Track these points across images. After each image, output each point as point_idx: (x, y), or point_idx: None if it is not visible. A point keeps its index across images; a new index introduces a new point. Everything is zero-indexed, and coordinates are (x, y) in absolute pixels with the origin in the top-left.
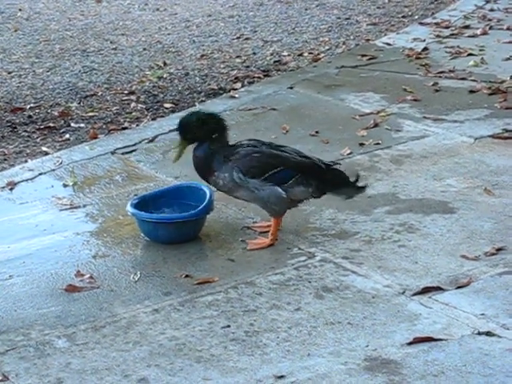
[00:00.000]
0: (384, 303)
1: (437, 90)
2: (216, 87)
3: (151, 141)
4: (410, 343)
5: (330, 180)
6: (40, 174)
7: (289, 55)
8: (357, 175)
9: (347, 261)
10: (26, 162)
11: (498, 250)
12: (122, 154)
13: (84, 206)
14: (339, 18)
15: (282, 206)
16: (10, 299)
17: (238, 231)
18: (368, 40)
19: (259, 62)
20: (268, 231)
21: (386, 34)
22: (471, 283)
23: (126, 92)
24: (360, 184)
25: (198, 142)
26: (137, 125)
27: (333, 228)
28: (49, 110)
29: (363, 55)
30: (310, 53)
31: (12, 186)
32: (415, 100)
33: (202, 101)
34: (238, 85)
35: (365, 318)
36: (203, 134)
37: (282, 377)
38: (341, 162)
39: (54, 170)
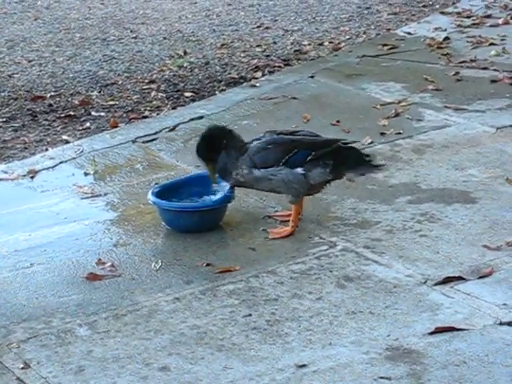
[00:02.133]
0: (405, 293)
1: (458, 80)
2: (236, 76)
3: (172, 129)
4: (431, 333)
5: (346, 157)
6: (61, 163)
7: (309, 44)
8: (372, 156)
9: (368, 250)
10: (46, 150)
11: None
12: (143, 142)
13: (105, 194)
14: (360, 7)
15: (301, 185)
16: (31, 287)
17: (259, 220)
18: (389, 29)
19: (279, 51)
20: (289, 220)
21: (406, 24)
22: (493, 273)
23: (146, 81)
24: (375, 163)
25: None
26: (157, 113)
27: (354, 217)
28: (69, 99)
29: (384, 44)
30: (330, 42)
31: (33, 174)
32: (436, 89)
33: (223, 90)
34: (259, 74)
35: (386, 308)
36: (217, 149)
37: (303, 366)
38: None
39: (74, 158)
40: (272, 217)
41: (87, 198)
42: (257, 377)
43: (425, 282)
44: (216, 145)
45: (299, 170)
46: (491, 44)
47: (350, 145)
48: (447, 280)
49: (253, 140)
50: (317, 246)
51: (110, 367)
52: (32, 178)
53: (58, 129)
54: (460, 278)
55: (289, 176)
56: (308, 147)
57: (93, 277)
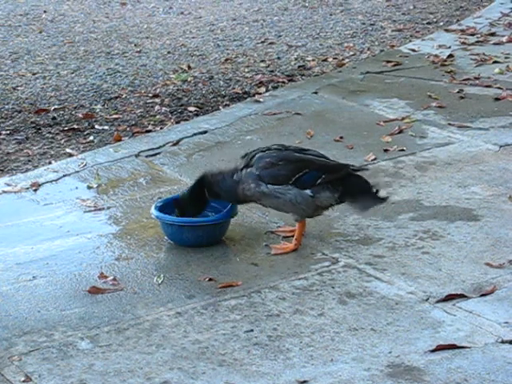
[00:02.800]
0: (407, 310)
1: (462, 97)
2: (240, 91)
3: (175, 144)
4: (433, 350)
5: (354, 185)
6: (64, 176)
7: (313, 60)
8: (377, 187)
9: (371, 267)
10: (50, 163)
11: None
12: (146, 156)
13: (108, 208)
14: (364, 23)
15: (309, 206)
16: (33, 300)
17: (262, 235)
18: (393, 46)
19: (283, 67)
20: (291, 236)
21: (410, 41)
22: (495, 291)
23: (150, 95)
24: (381, 195)
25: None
26: (161, 128)
27: (356, 234)
28: (73, 112)
29: (388, 61)
30: (334, 58)
31: (36, 187)
32: (440, 107)
33: (227, 105)
34: (263, 89)
35: (388, 325)
36: (201, 197)
37: (304, 382)
38: (366, 167)
39: (78, 171)
40: (275, 232)
41: (90, 211)
42: None
43: (427, 299)
44: (200, 196)
45: (308, 191)
46: (495, 62)
47: (358, 173)
48: (449, 297)
49: (257, 151)
50: (319, 262)
51: (111, 381)
52: (35, 190)
53: (62, 142)
54: (462, 296)
55: (297, 197)
56: (319, 169)
57: (95, 290)
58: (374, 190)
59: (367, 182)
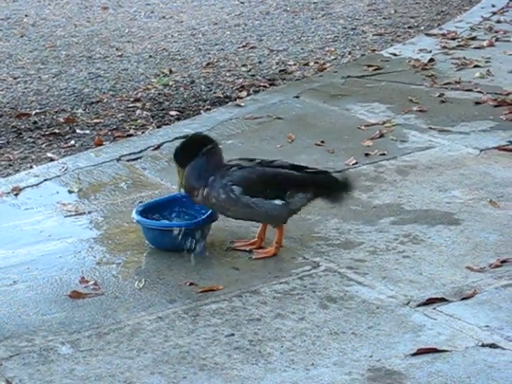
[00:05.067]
0: (388, 314)
1: (443, 101)
2: (222, 95)
3: (156, 148)
4: (414, 354)
5: (324, 184)
6: (45, 180)
7: (294, 64)
8: (345, 178)
9: (352, 271)
10: (31, 167)
11: (503, 262)
12: (128, 161)
13: (89, 212)
14: (345, 27)
15: (283, 214)
16: (14, 305)
17: (243, 239)
18: (374, 50)
19: (265, 71)
20: (253, 248)
21: (392, 45)
22: (476, 295)
23: (131, 99)
24: (347, 183)
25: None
26: (142, 132)
27: (337, 238)
28: (54, 116)
29: (369, 65)
30: (315, 62)
31: (17, 191)
32: (421, 111)
33: (208, 109)
34: (244, 93)
35: (369, 329)
36: (194, 151)
37: None
38: (346, 171)
39: (59, 176)
40: (234, 248)
41: (71, 215)
42: None
43: (407, 303)
44: (193, 148)
45: (278, 201)
46: (476, 66)
47: (326, 171)
48: (430, 301)
49: (232, 164)
50: (300, 266)
51: None
52: (16, 195)
53: (43, 146)
54: (443, 300)
55: (273, 211)
56: (295, 185)
57: (76, 295)
58: (343, 181)
59: (334, 178)
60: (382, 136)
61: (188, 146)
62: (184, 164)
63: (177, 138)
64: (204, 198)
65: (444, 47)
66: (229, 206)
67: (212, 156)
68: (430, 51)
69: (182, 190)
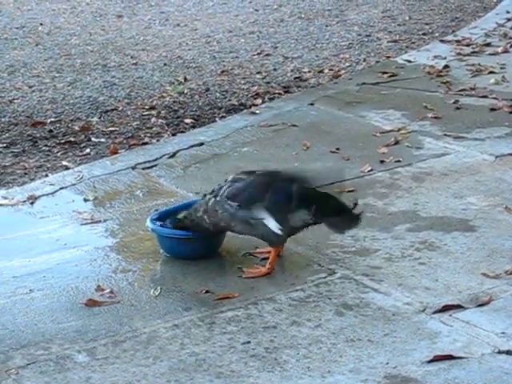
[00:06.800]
0: (404, 321)
1: (457, 108)
2: (236, 103)
3: (172, 156)
4: (430, 361)
5: (327, 204)
6: (61, 189)
7: (309, 72)
8: (354, 202)
9: (367, 278)
10: (46, 176)
11: None
12: (143, 169)
13: (105, 220)
14: (360, 34)
15: (281, 237)
16: (30, 313)
17: (258, 247)
18: (389, 57)
19: (280, 78)
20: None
21: (406, 52)
22: (492, 301)
23: (146, 107)
24: (356, 211)
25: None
26: (157, 140)
27: (353, 245)
28: (69, 125)
29: (384, 72)
30: (330, 69)
31: (33, 200)
32: (436, 117)
33: (223, 116)
34: (259, 101)
35: (385, 336)
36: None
37: None
38: (361, 178)
39: (74, 184)
40: (252, 254)
41: (87, 224)
42: None
43: (423, 310)
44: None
45: (278, 225)
46: (490, 72)
47: (331, 194)
48: (446, 308)
49: (223, 185)
50: (316, 274)
51: None
52: (32, 203)
53: (58, 155)
54: (459, 307)
55: (269, 234)
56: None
57: (92, 303)
58: (351, 207)
59: (343, 203)
60: (397, 143)
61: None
62: None
63: (192, 146)
64: (214, 224)
65: (459, 54)
66: (229, 222)
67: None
68: (445, 58)
69: None
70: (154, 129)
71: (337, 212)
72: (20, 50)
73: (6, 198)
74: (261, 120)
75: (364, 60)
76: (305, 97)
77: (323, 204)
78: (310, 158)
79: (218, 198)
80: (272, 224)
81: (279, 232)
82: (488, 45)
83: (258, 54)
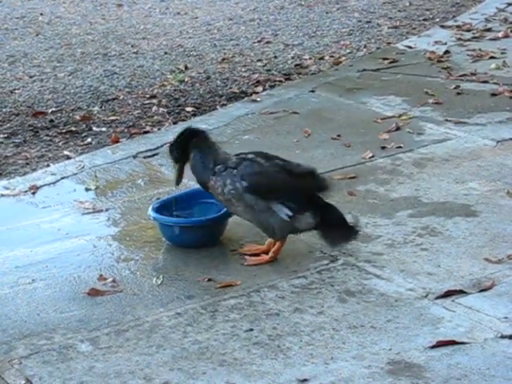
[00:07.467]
0: (407, 307)
1: (459, 93)
2: (237, 91)
3: None
4: (433, 347)
5: (331, 214)
6: (62, 178)
7: (310, 59)
8: (356, 219)
9: (370, 264)
10: (48, 166)
11: None
12: (144, 157)
13: (106, 209)
14: (360, 21)
15: (284, 231)
16: (32, 303)
17: (260, 235)
18: (389, 43)
19: (280, 66)
20: (257, 254)
21: (407, 37)
22: (494, 286)
23: (147, 96)
24: (354, 227)
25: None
26: (158, 128)
27: None
28: (70, 114)
29: (384, 58)
30: (331, 56)
31: (34, 189)
32: (437, 103)
33: (224, 104)
34: (260, 88)
35: (388, 322)
36: (184, 147)
37: (305, 380)
38: (363, 165)
39: (76, 174)
40: (239, 252)
41: (88, 213)
42: None
43: (426, 296)
44: (182, 143)
45: (286, 216)
46: (491, 57)
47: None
48: (448, 293)
49: (243, 156)
50: (318, 261)
51: (111, 383)
52: (33, 193)
53: (60, 144)
54: (461, 292)
55: (275, 224)
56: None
57: (94, 292)
58: (350, 224)
59: (343, 217)
60: (398, 129)
61: (178, 141)
62: (177, 159)
63: None
64: (211, 187)
65: (459, 39)
66: (233, 200)
67: (204, 146)
68: (446, 43)
69: (177, 187)
70: (155, 117)
71: (337, 225)
72: (20, 40)
73: (7, 189)
74: (262, 107)
75: (364, 46)
76: (305, 84)
77: (328, 213)
78: (311, 145)
79: (233, 172)
80: (282, 212)
81: (287, 219)
82: (488, 30)
83: (259, 41)
